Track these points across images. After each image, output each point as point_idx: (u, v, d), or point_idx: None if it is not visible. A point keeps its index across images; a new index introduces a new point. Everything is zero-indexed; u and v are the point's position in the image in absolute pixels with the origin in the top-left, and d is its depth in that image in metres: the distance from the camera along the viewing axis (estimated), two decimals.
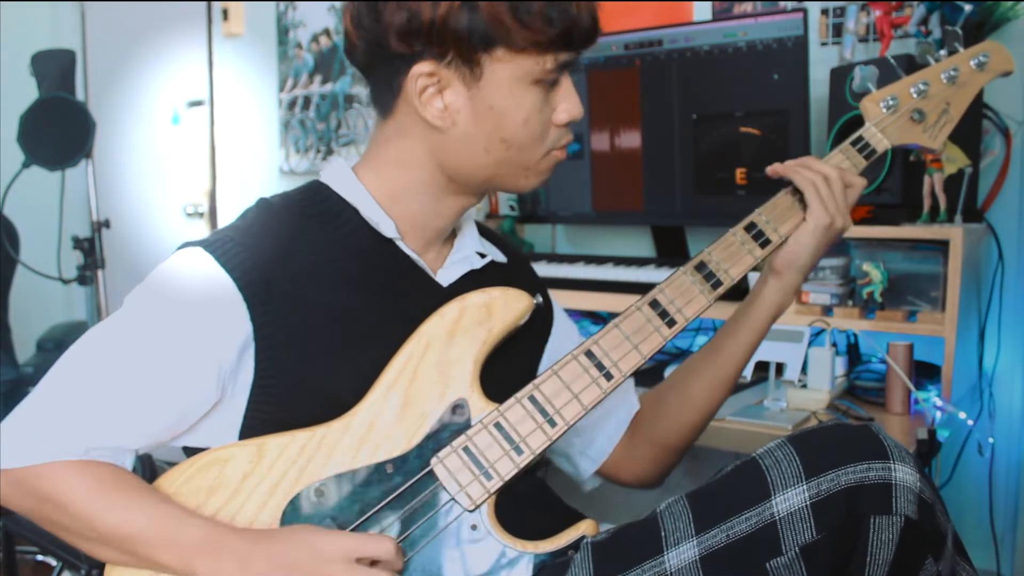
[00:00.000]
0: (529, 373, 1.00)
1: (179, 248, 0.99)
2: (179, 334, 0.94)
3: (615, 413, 1.23)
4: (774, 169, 1.11)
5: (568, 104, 1.01)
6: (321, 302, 0.98)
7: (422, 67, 0.96)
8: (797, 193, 1.10)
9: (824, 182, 1.08)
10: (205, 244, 0.97)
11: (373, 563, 0.90)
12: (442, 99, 0.97)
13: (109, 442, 0.93)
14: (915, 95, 1.16)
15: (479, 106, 0.97)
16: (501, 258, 1.15)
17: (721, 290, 1.06)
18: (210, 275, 0.95)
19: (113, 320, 0.96)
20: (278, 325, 0.95)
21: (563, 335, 1.23)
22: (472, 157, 1.00)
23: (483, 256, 1.11)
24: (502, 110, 0.97)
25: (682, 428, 1.19)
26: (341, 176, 1.05)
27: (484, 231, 1.18)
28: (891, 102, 1.15)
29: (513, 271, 1.16)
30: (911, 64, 1.65)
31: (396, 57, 0.97)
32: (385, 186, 1.04)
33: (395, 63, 0.97)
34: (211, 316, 0.94)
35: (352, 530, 0.94)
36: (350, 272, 1.01)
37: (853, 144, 1.14)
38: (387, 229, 1.03)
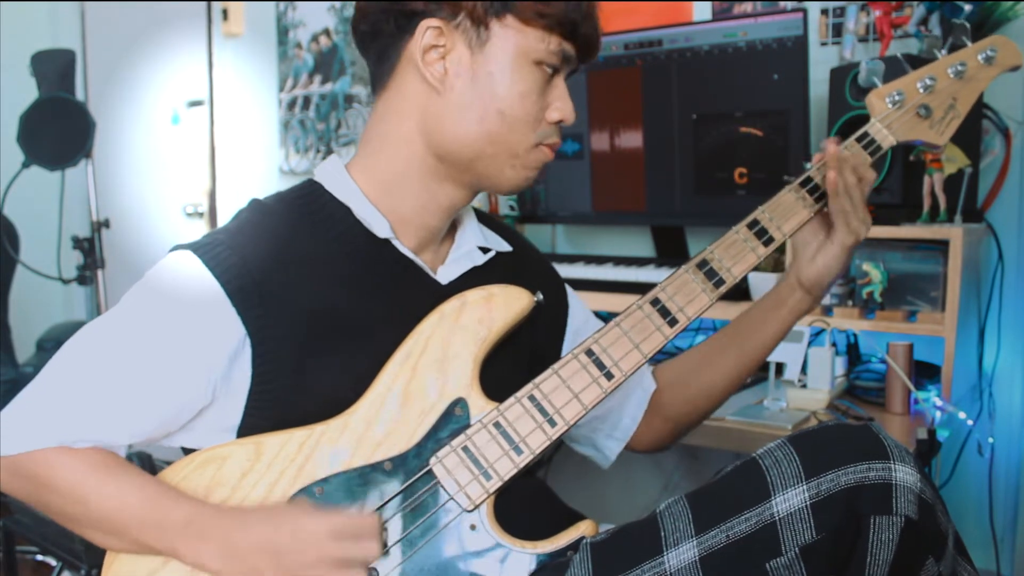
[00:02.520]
0: (533, 370, 1.00)
1: (171, 250, 0.99)
2: (167, 337, 0.94)
3: (634, 393, 1.25)
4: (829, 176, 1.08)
5: (562, 104, 1.03)
6: (317, 303, 0.98)
7: (432, 21, 0.98)
8: (801, 190, 1.10)
9: (848, 200, 1.07)
10: (195, 247, 0.97)
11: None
12: (444, 64, 0.99)
13: (99, 437, 0.94)
14: (921, 90, 1.13)
15: (480, 71, 0.99)
16: (506, 247, 1.15)
17: (723, 289, 1.05)
18: (198, 279, 0.95)
19: (107, 318, 0.97)
20: (273, 328, 0.95)
21: (581, 323, 1.24)
22: (465, 126, 1.00)
23: (485, 251, 1.11)
24: (502, 80, 0.98)
25: (703, 411, 1.26)
26: (334, 175, 1.05)
27: (485, 219, 1.17)
28: (897, 97, 1.13)
29: (520, 262, 1.16)
30: (914, 63, 1.65)
31: (408, 15, 0.99)
32: (377, 178, 1.04)
33: (405, 22, 0.99)
34: (199, 320, 0.94)
35: None
36: (345, 272, 1.01)
37: (858, 140, 1.12)
38: (381, 229, 1.02)
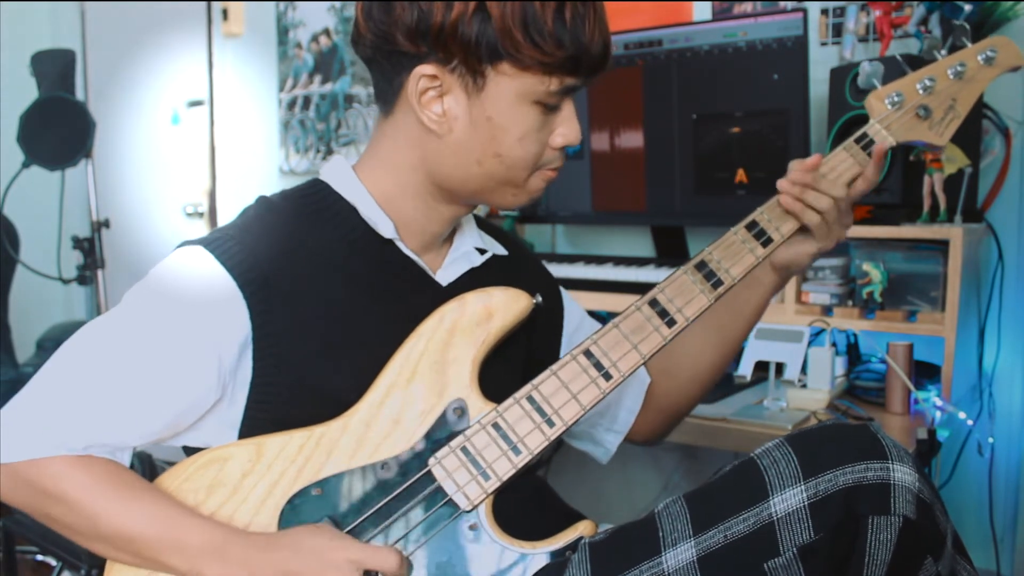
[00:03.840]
0: (531, 372, 1.00)
1: (179, 246, 0.99)
2: (179, 333, 0.94)
3: (630, 387, 1.25)
4: (786, 203, 1.09)
5: (566, 129, 1.00)
6: (320, 300, 0.98)
7: (425, 69, 0.95)
8: None
9: (833, 207, 1.08)
10: (205, 242, 0.97)
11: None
12: (441, 104, 0.97)
13: (109, 439, 0.93)
14: (921, 91, 1.13)
15: (477, 116, 0.96)
16: (502, 251, 1.15)
17: (722, 290, 1.05)
18: (210, 273, 0.95)
19: (112, 317, 0.96)
20: (277, 324, 0.95)
21: (576, 325, 1.24)
22: (463, 167, 0.99)
23: (482, 252, 1.11)
24: (500, 124, 0.96)
25: (692, 398, 1.27)
26: (341, 174, 1.05)
27: (483, 225, 1.18)
28: (896, 98, 1.12)
29: (517, 265, 1.16)
30: (914, 63, 1.65)
31: (401, 55, 0.96)
32: (381, 186, 1.04)
33: (399, 60, 0.97)
34: (211, 314, 0.94)
35: (350, 530, 0.95)
36: (349, 271, 1.01)
37: (857, 141, 1.11)
38: (385, 229, 1.02)
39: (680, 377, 1.25)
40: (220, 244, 0.96)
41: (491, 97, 0.95)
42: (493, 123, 0.96)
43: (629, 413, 1.26)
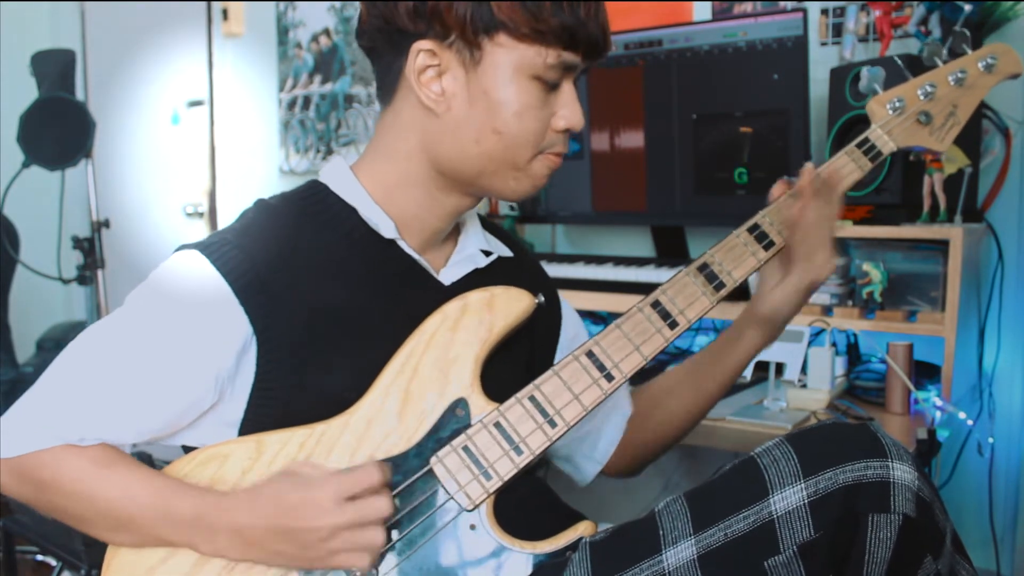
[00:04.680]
0: (532, 373, 1.00)
1: (177, 250, 1.00)
2: (175, 337, 0.94)
3: (613, 416, 1.25)
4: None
5: (568, 112, 1.01)
6: (321, 302, 0.98)
7: (423, 44, 0.96)
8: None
9: (815, 232, 1.06)
10: (201, 247, 0.97)
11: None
12: (440, 83, 0.98)
13: (104, 435, 0.94)
14: (922, 97, 1.14)
15: (475, 91, 0.97)
16: (507, 252, 1.15)
17: (724, 292, 1.05)
18: (206, 278, 0.95)
19: (112, 318, 0.97)
20: (278, 327, 0.95)
21: (573, 334, 1.24)
22: (462, 146, 0.99)
23: (488, 254, 1.11)
24: (497, 98, 0.97)
25: (665, 440, 1.26)
26: (339, 175, 1.06)
27: (488, 225, 1.18)
28: (897, 104, 1.13)
29: (519, 267, 1.16)
30: (912, 63, 1.65)
31: (401, 35, 0.97)
32: (381, 182, 1.04)
33: (400, 42, 0.98)
34: (207, 320, 0.94)
35: None
36: (350, 272, 1.01)
37: (859, 146, 1.12)
38: (386, 230, 1.03)
39: (655, 419, 1.24)
40: (217, 248, 0.96)
41: (488, 70, 0.96)
42: (490, 97, 0.97)
43: (609, 443, 1.25)
